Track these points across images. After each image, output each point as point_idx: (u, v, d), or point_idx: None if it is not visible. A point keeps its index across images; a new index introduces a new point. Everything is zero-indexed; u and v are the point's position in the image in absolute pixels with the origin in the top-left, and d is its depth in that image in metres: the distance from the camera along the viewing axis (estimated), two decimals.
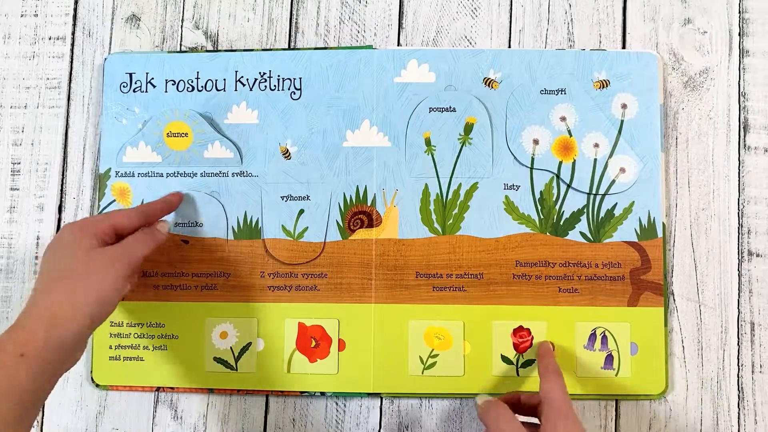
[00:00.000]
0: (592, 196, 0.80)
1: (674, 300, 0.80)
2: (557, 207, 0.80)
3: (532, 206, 0.80)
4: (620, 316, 0.79)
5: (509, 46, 0.83)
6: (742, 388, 0.79)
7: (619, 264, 0.80)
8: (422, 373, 0.79)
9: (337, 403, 0.81)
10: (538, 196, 0.80)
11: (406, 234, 0.81)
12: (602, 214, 0.80)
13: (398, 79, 0.82)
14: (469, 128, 0.81)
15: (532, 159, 0.81)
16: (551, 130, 0.81)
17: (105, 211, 0.82)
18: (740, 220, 0.80)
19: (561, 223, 0.80)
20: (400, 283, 0.80)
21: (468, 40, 0.84)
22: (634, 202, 0.80)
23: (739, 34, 0.82)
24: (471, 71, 0.82)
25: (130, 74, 0.83)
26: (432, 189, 0.81)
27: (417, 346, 0.80)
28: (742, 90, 0.82)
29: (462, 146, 0.81)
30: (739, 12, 0.83)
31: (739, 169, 0.81)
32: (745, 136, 0.81)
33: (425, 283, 0.80)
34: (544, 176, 0.81)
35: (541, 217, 0.80)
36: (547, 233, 0.80)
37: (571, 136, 0.80)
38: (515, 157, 0.81)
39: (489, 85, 0.81)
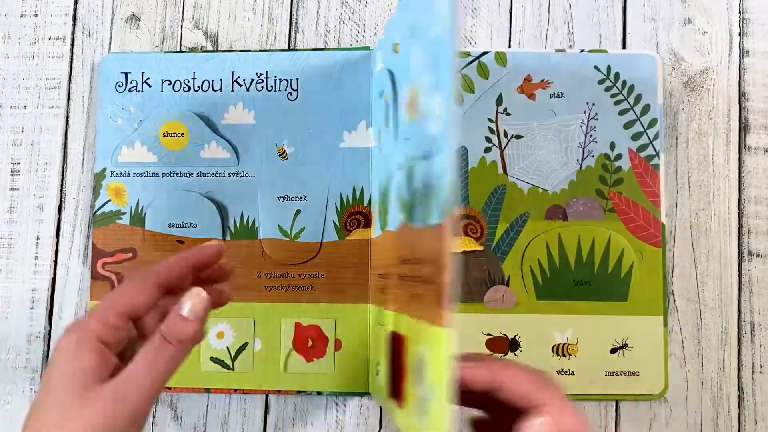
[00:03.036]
0: None
1: (674, 300, 0.80)
2: None
3: None
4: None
5: (509, 46, 0.83)
6: (742, 388, 0.79)
7: None
8: None
9: (337, 403, 0.81)
10: None
11: None
12: None
13: None
14: None
15: None
16: None
17: (100, 211, 0.82)
18: (740, 220, 0.80)
19: None
20: None
21: (468, 40, 0.84)
22: None
23: (739, 34, 0.82)
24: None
25: (126, 74, 0.83)
26: None
27: None
28: (742, 90, 0.82)
29: None
30: (739, 12, 0.82)
31: (739, 169, 0.81)
32: (745, 136, 0.81)
33: None
34: None
35: None
36: None
37: None
38: None
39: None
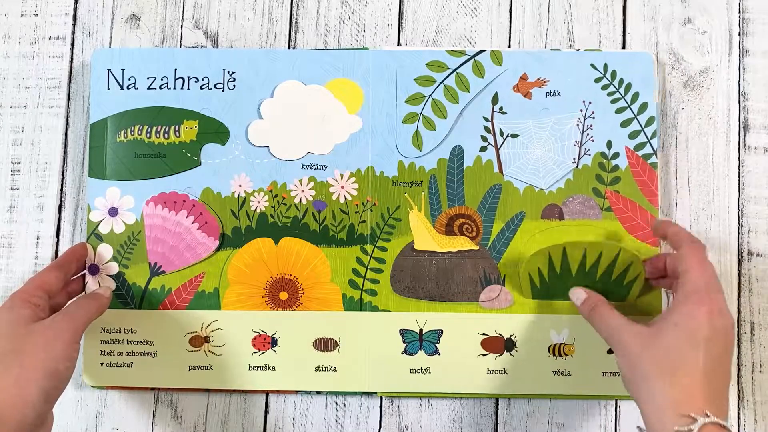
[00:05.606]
0: None
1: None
2: None
3: None
4: None
5: (509, 46, 0.83)
6: (742, 388, 0.79)
7: None
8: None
9: (337, 403, 0.81)
10: None
11: None
12: None
13: None
14: None
15: None
16: None
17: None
18: (740, 220, 0.80)
19: None
20: None
21: (468, 40, 0.84)
22: None
23: (739, 34, 0.82)
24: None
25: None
26: None
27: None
28: (742, 90, 0.82)
29: None
30: (739, 12, 0.82)
31: (739, 169, 0.81)
32: (745, 136, 0.81)
33: None
34: None
35: None
36: None
37: None
38: None
39: None
